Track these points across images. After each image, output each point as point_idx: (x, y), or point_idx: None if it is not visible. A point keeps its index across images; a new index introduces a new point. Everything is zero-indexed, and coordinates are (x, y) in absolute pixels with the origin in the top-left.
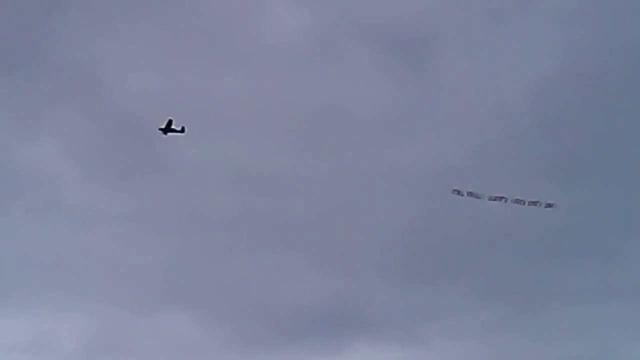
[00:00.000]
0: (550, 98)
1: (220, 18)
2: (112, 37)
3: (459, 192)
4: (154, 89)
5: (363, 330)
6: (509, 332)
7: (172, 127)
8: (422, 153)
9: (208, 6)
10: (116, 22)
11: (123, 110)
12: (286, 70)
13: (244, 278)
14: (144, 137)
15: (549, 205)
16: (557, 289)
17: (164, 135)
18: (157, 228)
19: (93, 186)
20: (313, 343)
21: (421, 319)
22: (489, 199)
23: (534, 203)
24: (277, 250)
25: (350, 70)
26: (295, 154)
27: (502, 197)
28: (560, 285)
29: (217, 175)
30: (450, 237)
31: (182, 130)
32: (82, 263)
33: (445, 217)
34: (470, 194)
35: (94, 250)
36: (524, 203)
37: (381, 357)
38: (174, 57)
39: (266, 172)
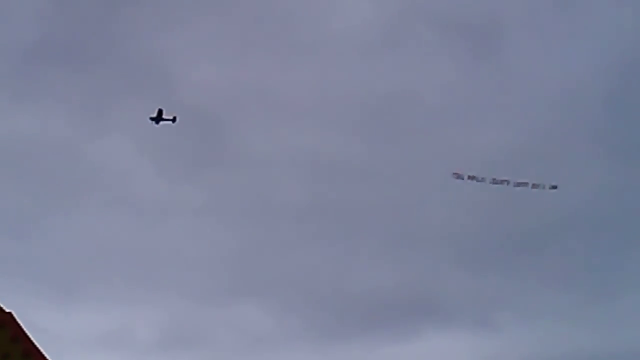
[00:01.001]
0: (623, 81)
1: (286, 8)
2: (179, 30)
3: (458, 176)
4: (222, 80)
5: (434, 317)
6: (582, 319)
7: (163, 116)
8: (491, 138)
9: None
10: (183, 15)
11: (192, 103)
12: (353, 58)
13: (315, 267)
14: (214, 130)
15: (553, 187)
16: (632, 275)
17: (155, 125)
18: (228, 220)
19: (164, 180)
20: (384, 331)
21: (493, 305)
22: (491, 183)
23: (537, 186)
24: (348, 239)
25: (417, 56)
26: (364, 142)
27: (505, 181)
28: (635, 271)
29: (286, 166)
30: (522, 223)
31: (174, 120)
32: (155, 256)
33: (516, 203)
34: (471, 177)
35: (166, 243)
36: (527, 185)
37: (453, 343)
38: (241, 48)
39: (335, 161)
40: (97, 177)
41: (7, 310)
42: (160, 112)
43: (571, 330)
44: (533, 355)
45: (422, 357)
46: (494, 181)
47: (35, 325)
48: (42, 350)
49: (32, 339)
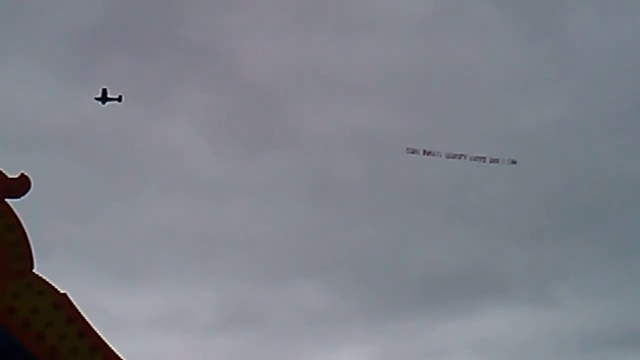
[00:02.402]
0: None
1: None
2: (237, 10)
3: (413, 152)
4: (281, 60)
5: (494, 291)
6: None
7: (109, 96)
8: (554, 112)
9: None
10: None
11: (251, 83)
12: (411, 34)
13: (373, 244)
14: (273, 110)
15: (513, 162)
16: None
17: (102, 105)
18: (287, 200)
19: (223, 160)
20: (441, 307)
21: (552, 278)
22: (447, 157)
23: (495, 160)
24: (405, 215)
25: (477, 30)
26: (423, 118)
27: (461, 155)
28: None
29: (344, 143)
30: (579, 194)
31: (119, 99)
32: (214, 237)
33: (575, 175)
34: (426, 152)
35: (225, 225)
36: (484, 160)
37: (512, 317)
38: (299, 28)
39: (393, 138)
40: (158, 159)
41: (62, 292)
42: (104, 91)
43: (630, 300)
44: (593, 330)
45: (480, 332)
46: (449, 155)
47: (95, 307)
48: (97, 331)
49: (87, 319)
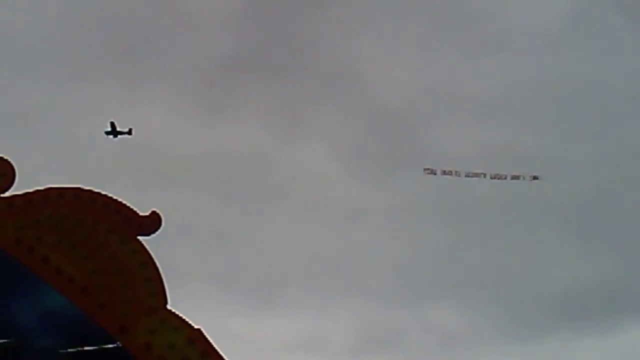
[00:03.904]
0: None
1: (471, 4)
2: (366, 32)
3: (431, 171)
4: (410, 80)
5: (634, 309)
6: None
7: (118, 129)
8: None
9: None
10: (369, 17)
11: (381, 104)
12: (543, 50)
13: (507, 263)
14: (403, 130)
15: (534, 178)
16: None
17: (114, 139)
18: (419, 220)
19: (356, 182)
20: (584, 324)
21: None
22: (466, 176)
23: (517, 177)
24: (540, 233)
25: (610, 45)
26: (555, 134)
27: (482, 174)
28: None
29: (475, 162)
30: None
31: (130, 132)
32: (347, 260)
33: None
34: (445, 172)
35: (358, 246)
36: (505, 178)
37: None
38: (428, 45)
39: (524, 155)
40: (291, 183)
41: (196, 327)
42: (112, 125)
43: None
44: None
45: (623, 350)
46: (468, 175)
47: (230, 333)
48: None
49: (221, 354)
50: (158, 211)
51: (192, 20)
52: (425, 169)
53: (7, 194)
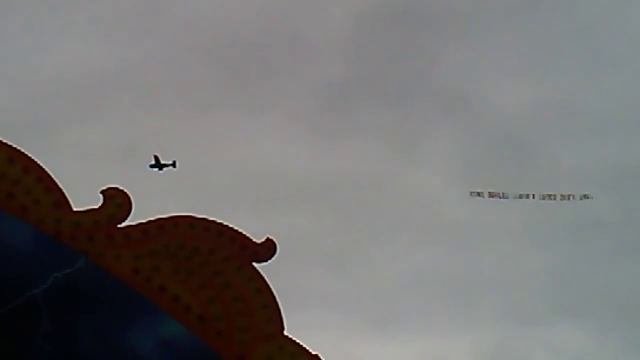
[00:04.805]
0: None
1: (586, 18)
2: (481, 53)
3: (478, 194)
4: (527, 98)
5: None
6: None
7: (162, 162)
8: None
9: (575, 7)
10: (483, 37)
11: (500, 124)
12: None
13: (632, 282)
14: (524, 150)
15: (585, 197)
16: None
17: (160, 172)
18: (542, 239)
19: (476, 204)
20: None
21: None
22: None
23: (568, 197)
24: None
25: None
26: None
27: (528, 195)
28: None
29: (597, 178)
30: None
31: (174, 165)
32: (469, 282)
33: None
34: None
35: (479, 268)
36: (554, 198)
37: None
38: (544, 64)
39: None
40: (409, 206)
41: (314, 353)
42: (156, 158)
43: None
44: None
45: None
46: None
47: (347, 358)
48: None
49: None
50: (273, 238)
51: (306, 45)
52: (471, 192)
53: (123, 225)
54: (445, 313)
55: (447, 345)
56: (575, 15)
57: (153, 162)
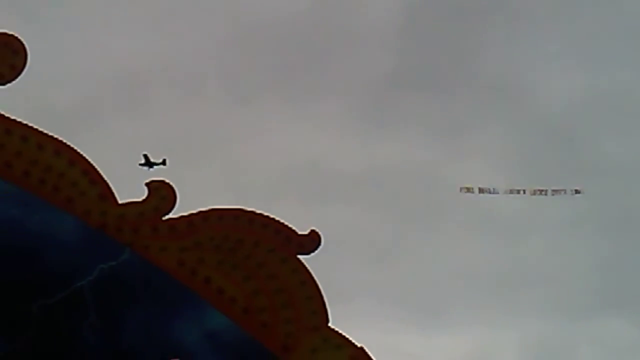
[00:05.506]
0: None
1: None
2: (532, 43)
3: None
4: (581, 93)
5: None
6: None
7: (152, 160)
8: None
9: None
10: (532, 25)
11: (545, 116)
12: None
13: None
14: (569, 142)
15: (576, 192)
16: None
17: (151, 170)
18: (589, 232)
19: (524, 197)
20: None
21: None
22: (510, 192)
23: (558, 191)
24: None
25: None
26: None
27: (521, 190)
28: None
29: None
30: None
31: (164, 163)
32: (514, 275)
33: None
34: (481, 190)
35: (526, 261)
36: (545, 193)
37: None
38: (597, 56)
39: None
40: (456, 198)
41: (359, 345)
42: (146, 157)
43: None
44: None
45: None
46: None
47: (392, 350)
48: None
49: None
50: (317, 230)
51: (354, 36)
52: (461, 188)
53: (168, 217)
54: (492, 305)
55: (494, 337)
56: (636, 6)
57: (143, 161)
